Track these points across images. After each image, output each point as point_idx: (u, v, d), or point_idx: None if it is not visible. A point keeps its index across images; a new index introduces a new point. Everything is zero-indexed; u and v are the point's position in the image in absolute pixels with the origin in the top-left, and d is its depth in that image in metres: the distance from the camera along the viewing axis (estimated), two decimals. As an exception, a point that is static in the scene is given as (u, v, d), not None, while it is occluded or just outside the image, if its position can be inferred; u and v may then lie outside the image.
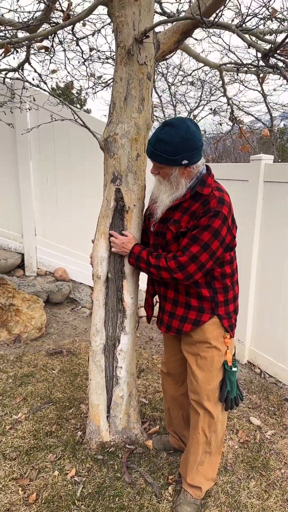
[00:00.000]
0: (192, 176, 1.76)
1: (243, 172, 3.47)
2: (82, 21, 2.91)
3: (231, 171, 3.64)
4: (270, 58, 1.38)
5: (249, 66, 2.63)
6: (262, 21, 2.33)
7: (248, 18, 1.48)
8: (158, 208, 1.83)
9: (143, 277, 2.11)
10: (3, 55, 2.11)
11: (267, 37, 2.25)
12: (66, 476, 2.13)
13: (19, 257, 4.89)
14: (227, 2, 1.80)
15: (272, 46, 1.31)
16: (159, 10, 2.89)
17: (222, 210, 1.69)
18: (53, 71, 4.01)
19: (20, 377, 3.09)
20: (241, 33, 1.44)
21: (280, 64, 1.41)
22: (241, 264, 3.49)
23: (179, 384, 2.19)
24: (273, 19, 2.27)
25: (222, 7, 1.83)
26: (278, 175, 3.15)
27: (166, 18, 2.56)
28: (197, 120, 11.36)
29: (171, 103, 11.74)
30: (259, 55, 1.73)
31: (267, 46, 1.85)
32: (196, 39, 3.88)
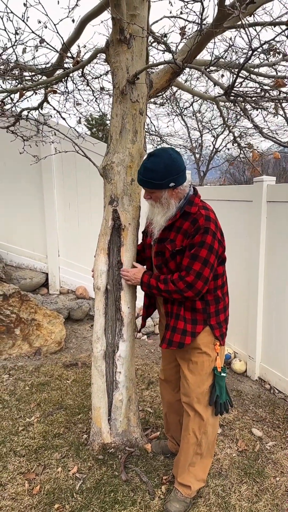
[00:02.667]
0: (180, 197, 1.98)
1: (247, 193, 3.65)
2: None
3: (236, 192, 3.83)
4: (231, 94, 1.60)
5: (245, 96, 2.86)
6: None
7: (215, 61, 1.71)
8: (154, 229, 2.05)
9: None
10: (19, 98, 2.47)
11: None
12: (69, 472, 2.31)
13: (43, 277, 5.25)
14: (205, 47, 2.08)
15: (229, 84, 1.55)
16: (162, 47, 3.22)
17: (210, 226, 1.89)
18: (77, 104, 4.44)
19: (36, 385, 3.34)
20: (207, 73, 1.69)
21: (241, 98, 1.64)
22: (248, 283, 3.65)
23: (176, 390, 2.34)
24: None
25: (202, 51, 2.10)
26: (280, 195, 3.30)
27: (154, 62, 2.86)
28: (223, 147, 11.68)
29: (198, 129, 12.16)
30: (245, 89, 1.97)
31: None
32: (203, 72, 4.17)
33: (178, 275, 1.94)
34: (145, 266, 2.30)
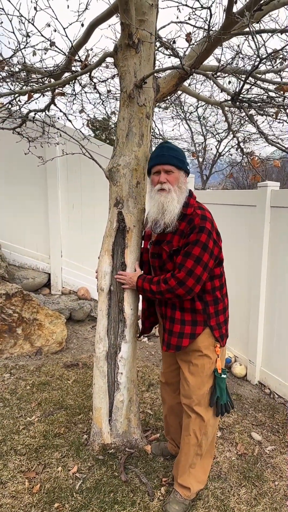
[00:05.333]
0: (183, 191, 2.01)
1: (251, 198, 3.67)
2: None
3: (240, 197, 3.85)
4: (237, 100, 1.63)
5: (251, 102, 2.89)
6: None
7: (222, 67, 1.74)
8: (162, 220, 1.98)
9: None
10: (27, 100, 2.50)
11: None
12: (69, 472, 2.33)
13: (46, 277, 5.27)
14: (212, 53, 2.10)
15: (236, 91, 1.57)
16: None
17: (205, 225, 1.91)
18: (81, 111, 4.47)
19: (37, 385, 3.36)
20: (215, 79, 1.71)
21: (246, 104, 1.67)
22: (250, 287, 3.66)
23: (177, 393, 2.35)
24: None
25: (209, 57, 2.12)
26: (284, 201, 3.32)
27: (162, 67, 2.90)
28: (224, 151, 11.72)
29: (201, 133, 12.18)
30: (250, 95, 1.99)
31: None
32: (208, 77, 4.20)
33: (171, 273, 1.97)
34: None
